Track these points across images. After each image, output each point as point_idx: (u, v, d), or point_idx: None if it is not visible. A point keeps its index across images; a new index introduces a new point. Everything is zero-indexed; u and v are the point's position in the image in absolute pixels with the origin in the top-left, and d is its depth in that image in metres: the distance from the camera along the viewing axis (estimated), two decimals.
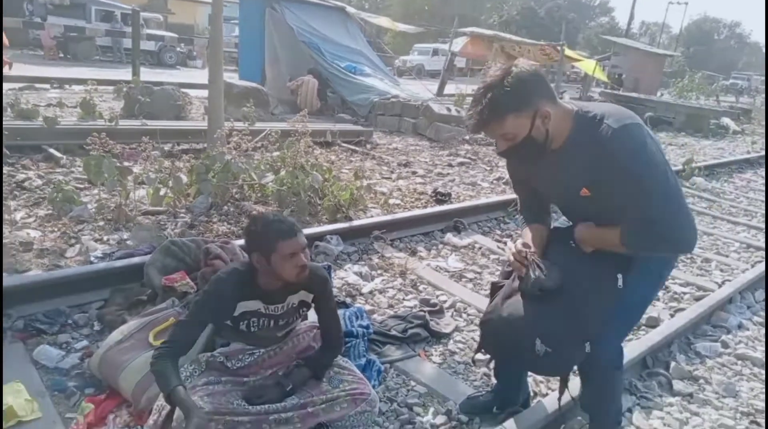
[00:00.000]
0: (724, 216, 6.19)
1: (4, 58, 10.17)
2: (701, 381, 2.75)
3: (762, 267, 4.27)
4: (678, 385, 2.68)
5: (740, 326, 3.44)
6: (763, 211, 6.50)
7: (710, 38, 62.14)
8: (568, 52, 17.10)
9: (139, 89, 8.46)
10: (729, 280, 4.04)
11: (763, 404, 2.61)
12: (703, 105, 17.25)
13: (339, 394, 2.06)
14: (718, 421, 2.43)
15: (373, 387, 2.32)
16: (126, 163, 4.06)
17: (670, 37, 60.06)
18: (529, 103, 1.66)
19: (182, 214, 4.11)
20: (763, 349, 3.20)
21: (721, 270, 4.46)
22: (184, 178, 4.40)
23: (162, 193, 4.22)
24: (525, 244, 1.94)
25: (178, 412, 1.84)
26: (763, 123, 18.17)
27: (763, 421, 2.48)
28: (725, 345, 3.14)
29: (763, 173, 9.14)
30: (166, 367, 1.92)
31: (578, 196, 1.77)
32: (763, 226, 5.89)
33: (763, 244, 5.21)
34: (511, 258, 1.92)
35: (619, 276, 1.80)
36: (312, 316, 2.29)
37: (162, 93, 8.55)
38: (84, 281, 2.81)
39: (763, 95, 27.22)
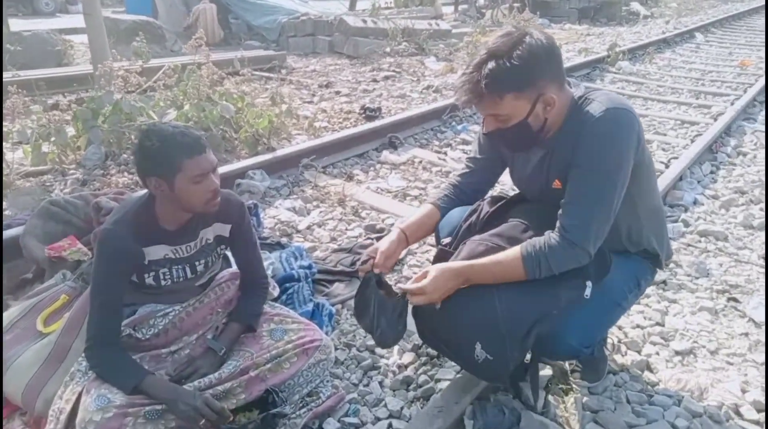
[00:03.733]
0: (654, 96, 6.14)
1: None
2: (671, 265, 2.59)
3: (700, 142, 4.18)
4: None
5: (695, 202, 3.33)
6: (689, 87, 6.52)
7: None
8: None
9: (5, 38, 7.29)
10: (675, 158, 3.92)
11: (736, 279, 2.49)
12: None
13: (285, 347, 1.71)
14: (697, 304, 2.29)
15: (327, 334, 2.00)
16: None
17: None
18: (535, 84, 1.38)
19: (72, 171, 3.48)
20: (722, 221, 3.11)
21: (663, 149, 4.36)
22: (71, 130, 3.75)
23: (45, 149, 3.57)
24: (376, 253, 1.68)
25: (80, 415, 1.44)
26: (671, 5, 18.45)
27: (739, 296, 2.36)
28: (686, 223, 3.01)
29: (681, 51, 9.22)
30: (114, 361, 1.52)
31: (551, 189, 1.52)
32: (692, 101, 5.89)
33: (696, 119, 5.18)
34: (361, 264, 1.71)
35: (588, 284, 1.43)
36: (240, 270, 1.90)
37: (35, 39, 7.44)
38: None
39: None
